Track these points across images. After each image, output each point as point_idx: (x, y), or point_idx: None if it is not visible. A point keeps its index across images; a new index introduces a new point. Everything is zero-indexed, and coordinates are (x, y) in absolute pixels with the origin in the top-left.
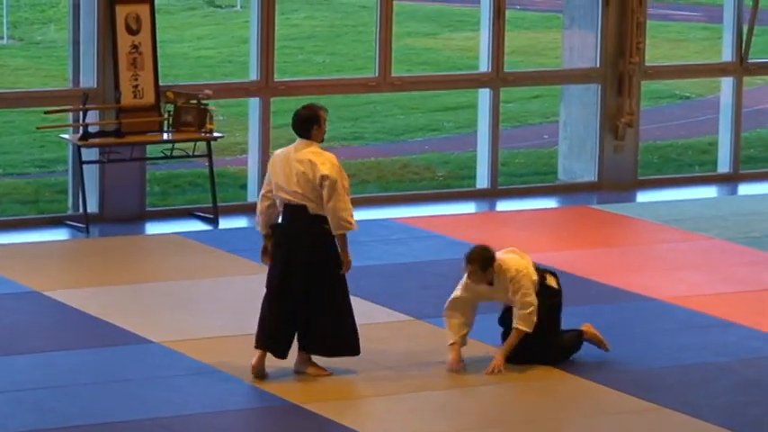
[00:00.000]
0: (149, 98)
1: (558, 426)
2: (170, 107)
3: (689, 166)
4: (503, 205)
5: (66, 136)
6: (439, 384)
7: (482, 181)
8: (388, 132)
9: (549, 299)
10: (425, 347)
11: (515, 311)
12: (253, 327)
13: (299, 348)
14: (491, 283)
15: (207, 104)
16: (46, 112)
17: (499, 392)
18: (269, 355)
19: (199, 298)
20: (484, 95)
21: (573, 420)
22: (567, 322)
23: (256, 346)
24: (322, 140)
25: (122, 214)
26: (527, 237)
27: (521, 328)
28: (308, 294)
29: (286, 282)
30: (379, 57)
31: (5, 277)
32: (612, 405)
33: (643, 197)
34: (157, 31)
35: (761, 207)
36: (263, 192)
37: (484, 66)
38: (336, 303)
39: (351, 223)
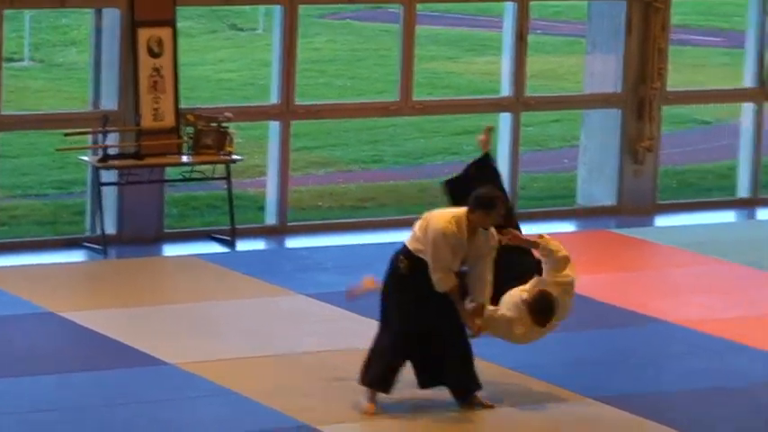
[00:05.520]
0: (169, 121)
1: None
2: (190, 129)
3: (708, 190)
4: (522, 229)
5: (85, 158)
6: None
7: None
8: (407, 155)
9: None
10: None
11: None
12: (270, 348)
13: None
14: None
15: (227, 127)
16: (66, 134)
17: (502, 417)
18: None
19: (216, 320)
20: (505, 119)
21: None
22: (580, 347)
23: None
24: (485, 227)
25: (140, 236)
26: None
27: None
28: None
29: None
30: (401, 80)
31: (23, 298)
32: (626, 428)
33: (662, 221)
34: (179, 54)
35: None
36: None
37: (505, 90)
38: None
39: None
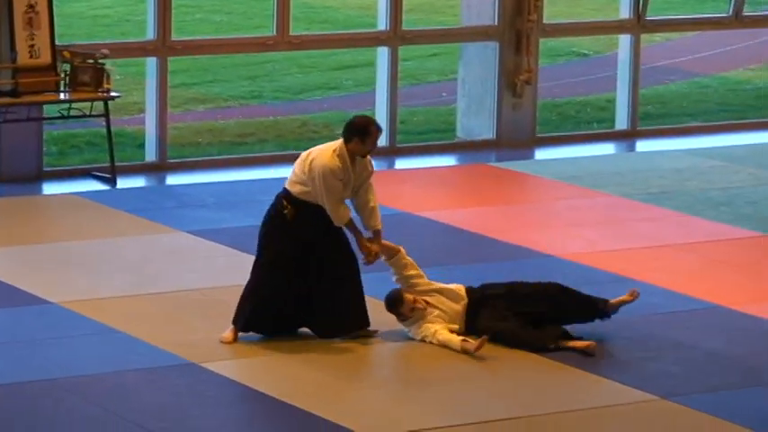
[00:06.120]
0: (46, 58)
1: (468, 381)
2: (67, 67)
3: (587, 123)
4: (401, 163)
5: None
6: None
7: (381, 139)
8: (286, 91)
9: None
10: None
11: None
12: (153, 286)
13: None
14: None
15: (104, 64)
16: None
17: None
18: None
19: (98, 258)
20: (382, 54)
21: (475, 376)
22: (462, 280)
23: None
24: (362, 154)
25: (19, 175)
26: (425, 194)
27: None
28: None
29: None
30: (277, 15)
31: None
32: (508, 362)
33: (541, 154)
34: None
35: (658, 163)
36: None
37: (382, 24)
38: None
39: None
